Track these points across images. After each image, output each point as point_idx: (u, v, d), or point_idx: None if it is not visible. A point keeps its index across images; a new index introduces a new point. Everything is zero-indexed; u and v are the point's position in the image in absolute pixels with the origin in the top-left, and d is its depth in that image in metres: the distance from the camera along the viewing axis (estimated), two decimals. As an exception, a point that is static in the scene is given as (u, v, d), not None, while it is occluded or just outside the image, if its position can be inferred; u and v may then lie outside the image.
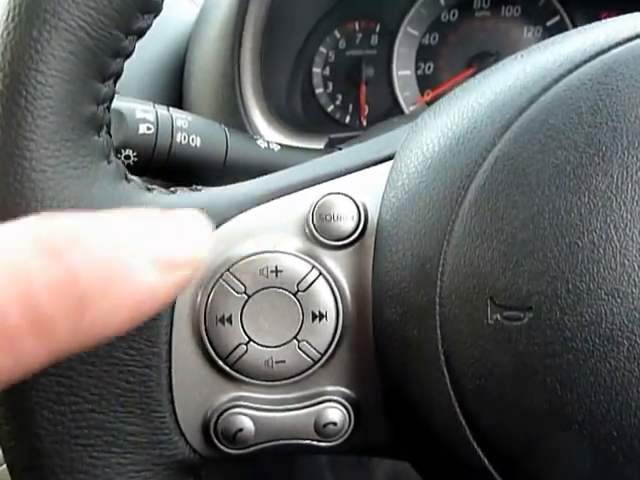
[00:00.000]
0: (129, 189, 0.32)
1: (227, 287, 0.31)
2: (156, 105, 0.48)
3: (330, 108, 0.75)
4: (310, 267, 0.31)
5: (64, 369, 0.30)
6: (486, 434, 0.28)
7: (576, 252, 0.26)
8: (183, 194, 0.33)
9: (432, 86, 0.73)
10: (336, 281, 0.31)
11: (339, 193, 0.31)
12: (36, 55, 0.28)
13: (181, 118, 0.48)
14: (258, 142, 0.52)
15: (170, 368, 0.31)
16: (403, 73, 0.73)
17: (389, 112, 0.73)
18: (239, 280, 0.31)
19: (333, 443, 0.32)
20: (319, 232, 0.31)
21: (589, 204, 0.26)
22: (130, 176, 0.33)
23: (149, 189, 0.33)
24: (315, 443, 0.32)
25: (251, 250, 0.31)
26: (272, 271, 0.31)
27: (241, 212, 0.32)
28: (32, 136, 0.29)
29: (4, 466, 0.52)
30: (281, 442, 0.32)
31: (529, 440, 0.27)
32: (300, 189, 0.33)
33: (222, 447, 0.32)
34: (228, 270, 0.31)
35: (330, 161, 0.34)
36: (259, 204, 0.32)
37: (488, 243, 0.28)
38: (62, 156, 0.30)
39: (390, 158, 0.33)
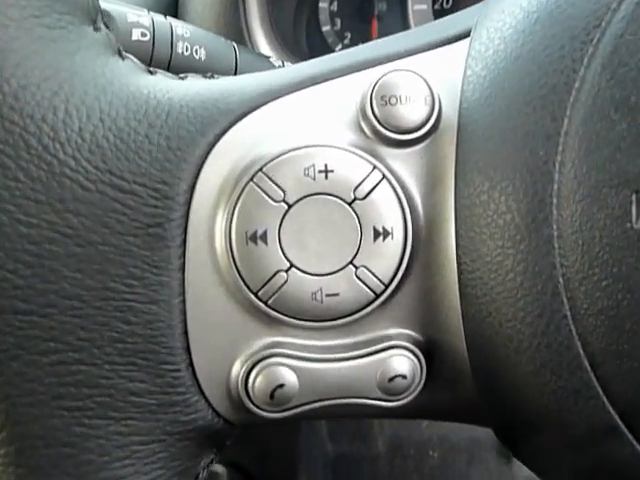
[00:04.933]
0: (124, 67, 0.25)
1: (260, 193, 0.24)
2: (150, 12, 0.41)
3: (338, 47, 0.68)
4: (370, 167, 0.24)
5: (39, 305, 0.22)
6: (621, 383, 0.22)
7: None
8: (196, 80, 0.26)
9: (451, 22, 0.66)
10: (404, 187, 0.24)
11: (406, 70, 0.24)
12: None
13: (181, 26, 0.41)
14: (271, 60, 0.45)
15: (184, 304, 0.24)
16: (419, 8, 0.68)
17: (403, 51, 0.67)
18: (276, 184, 0.24)
19: (400, 402, 0.25)
20: (381, 122, 0.24)
21: None
22: (126, 54, 0.25)
23: (151, 72, 0.25)
24: (377, 403, 0.25)
25: (291, 144, 0.24)
26: (320, 171, 0.24)
27: (277, 98, 0.25)
28: None
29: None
30: (333, 402, 0.25)
31: None
32: (353, 72, 0.26)
33: (255, 409, 0.25)
34: (261, 170, 0.24)
35: (388, 43, 0.27)
36: (300, 89, 0.25)
37: (632, 116, 0.20)
38: (29, 7, 0.23)
39: (465, 35, 0.26)
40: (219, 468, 0.53)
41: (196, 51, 0.41)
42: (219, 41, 0.43)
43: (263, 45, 0.58)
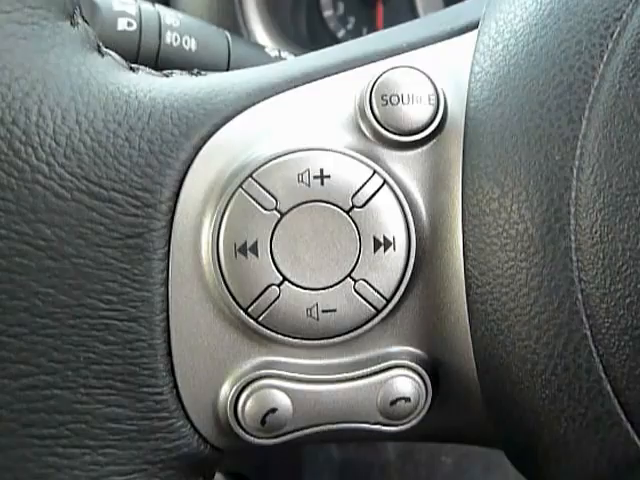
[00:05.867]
0: (103, 65, 0.23)
1: (250, 201, 0.22)
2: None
3: (341, 33, 0.66)
4: (370, 172, 0.22)
5: (9, 324, 0.21)
6: None
7: None
8: (181, 78, 0.24)
9: (460, 6, 0.64)
10: (406, 194, 0.23)
11: (408, 67, 0.23)
12: None
13: (170, 15, 0.39)
14: (266, 50, 0.43)
15: (168, 322, 0.22)
16: (427, -10, 0.65)
17: (410, 37, 0.65)
18: (267, 190, 0.22)
19: (404, 427, 0.23)
20: (381, 122, 0.22)
21: None
22: (105, 49, 0.23)
23: (133, 69, 0.24)
24: (379, 428, 0.23)
25: (284, 147, 0.22)
26: (316, 177, 0.22)
27: (267, 97, 0.23)
28: None
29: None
30: (330, 427, 0.23)
31: None
32: (350, 68, 0.24)
33: (245, 435, 0.23)
34: (251, 176, 0.22)
35: (388, 36, 0.26)
36: (293, 87, 0.24)
37: None
38: None
39: (472, 27, 0.24)
40: (218, 477, 0.51)
41: (186, 41, 0.39)
42: (211, 30, 0.41)
43: (260, 32, 0.56)
